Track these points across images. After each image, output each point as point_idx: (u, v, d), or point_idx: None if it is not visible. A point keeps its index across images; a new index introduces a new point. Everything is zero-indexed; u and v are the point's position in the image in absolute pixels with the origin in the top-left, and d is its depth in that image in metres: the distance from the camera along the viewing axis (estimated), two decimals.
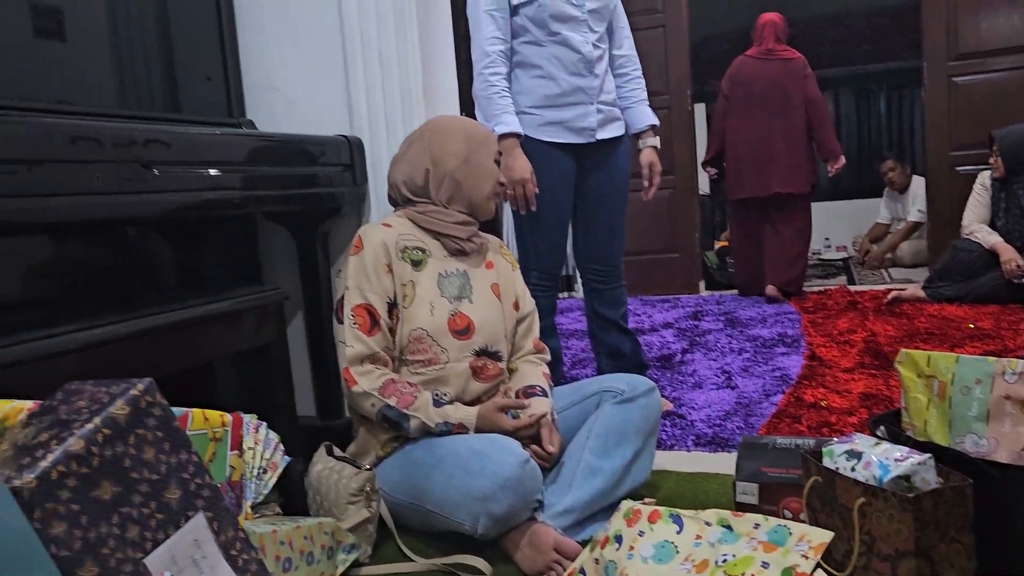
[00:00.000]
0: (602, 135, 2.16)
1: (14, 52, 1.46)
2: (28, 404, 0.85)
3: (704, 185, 5.21)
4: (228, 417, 1.08)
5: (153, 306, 1.37)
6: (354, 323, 1.56)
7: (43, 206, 1.19)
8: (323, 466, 1.61)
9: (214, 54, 1.97)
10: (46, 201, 1.19)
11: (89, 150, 1.27)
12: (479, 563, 1.40)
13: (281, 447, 1.42)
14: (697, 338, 3.30)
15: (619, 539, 1.06)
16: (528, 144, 2.10)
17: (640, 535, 1.03)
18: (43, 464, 0.70)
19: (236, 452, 1.10)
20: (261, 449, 1.42)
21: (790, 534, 0.97)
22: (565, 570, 1.32)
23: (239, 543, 0.85)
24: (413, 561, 1.46)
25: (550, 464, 1.58)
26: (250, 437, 1.33)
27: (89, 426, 0.74)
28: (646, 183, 2.25)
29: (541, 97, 2.10)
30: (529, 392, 1.69)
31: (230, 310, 1.49)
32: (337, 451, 1.67)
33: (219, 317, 1.46)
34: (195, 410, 1.03)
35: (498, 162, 1.74)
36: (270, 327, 1.58)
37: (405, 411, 1.53)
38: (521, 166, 2.03)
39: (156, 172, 1.40)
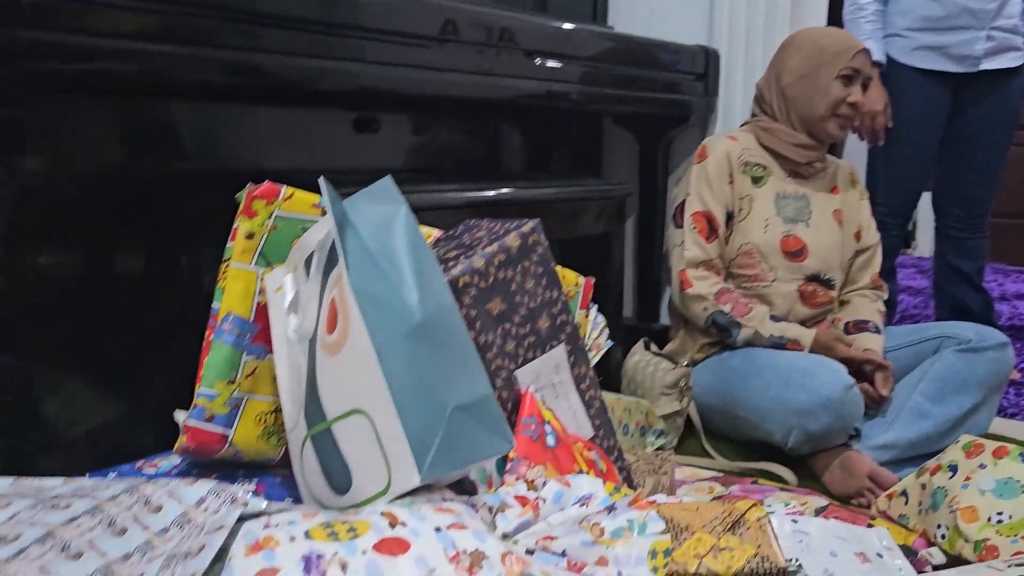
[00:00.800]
0: (988, 65, 1.93)
1: None
2: (435, 232, 1.01)
3: None
4: (582, 280, 1.18)
5: (518, 180, 1.53)
6: (693, 227, 1.61)
7: (448, 80, 1.37)
8: (640, 358, 1.70)
9: None
10: (449, 76, 1.37)
11: (482, 34, 1.43)
12: (784, 471, 1.40)
13: (607, 331, 1.52)
14: None
15: (954, 468, 1.01)
16: (896, 70, 1.95)
17: (981, 468, 0.97)
18: (453, 272, 0.84)
19: (584, 312, 1.20)
20: (590, 329, 1.54)
21: None
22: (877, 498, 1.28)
23: (588, 380, 0.96)
24: (715, 459, 1.51)
25: (877, 407, 1.52)
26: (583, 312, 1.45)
27: (488, 249, 0.87)
28: None
29: (920, 19, 1.92)
30: (861, 327, 1.63)
31: (582, 196, 1.60)
32: (654, 347, 1.75)
33: (572, 200, 1.58)
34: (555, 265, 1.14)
35: (850, 77, 1.61)
36: (612, 220, 1.68)
37: (738, 319, 1.55)
38: (875, 97, 1.88)
39: (536, 62, 1.53)
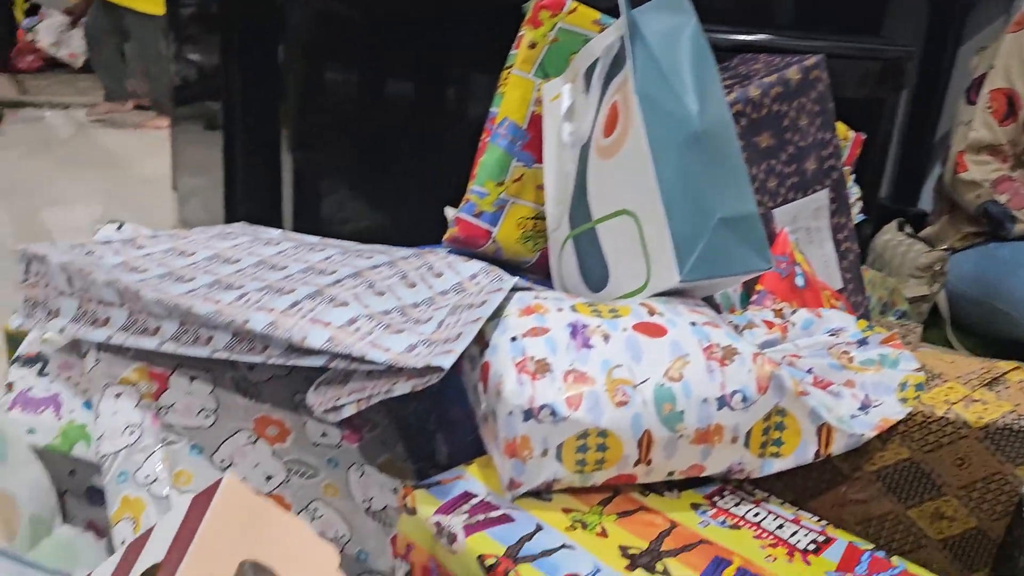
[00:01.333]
0: None
1: None
2: None
3: None
4: (852, 134, 1.12)
5: (788, 28, 1.44)
6: (988, 107, 1.45)
7: None
8: (892, 236, 1.60)
9: None
10: None
11: None
12: None
13: (860, 203, 1.44)
14: None
15: None
16: None
17: None
18: (728, 98, 0.84)
19: (848, 168, 1.15)
20: None
21: None
22: None
23: (847, 231, 0.93)
24: (959, 353, 1.42)
25: None
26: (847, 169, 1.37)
27: (766, 80, 0.85)
28: None
29: None
30: None
31: (856, 54, 1.48)
32: (908, 229, 1.64)
33: (844, 57, 1.46)
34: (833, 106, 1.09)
35: None
36: (887, 85, 1.54)
37: (1015, 212, 1.41)
38: None
39: None
